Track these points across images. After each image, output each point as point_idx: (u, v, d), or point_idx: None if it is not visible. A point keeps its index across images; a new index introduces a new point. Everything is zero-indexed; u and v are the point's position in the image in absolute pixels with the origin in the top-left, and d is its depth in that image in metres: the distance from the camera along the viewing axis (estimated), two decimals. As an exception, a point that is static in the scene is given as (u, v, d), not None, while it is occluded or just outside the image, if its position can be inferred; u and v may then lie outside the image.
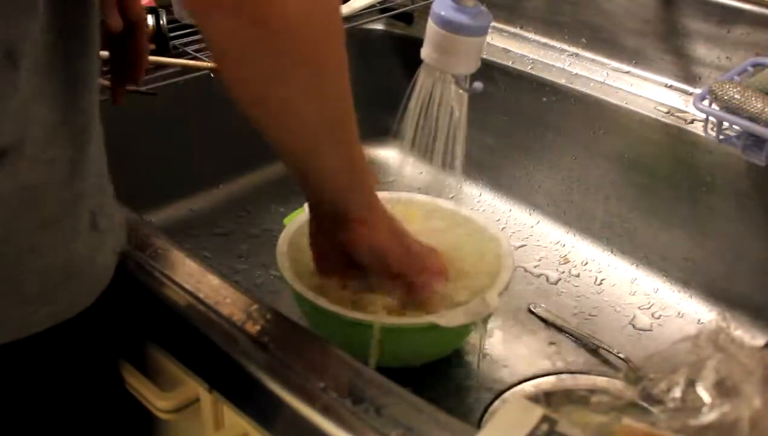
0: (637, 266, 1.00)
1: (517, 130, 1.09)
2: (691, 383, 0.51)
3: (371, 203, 0.68)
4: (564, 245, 1.04)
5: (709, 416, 0.48)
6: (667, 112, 0.95)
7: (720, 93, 0.83)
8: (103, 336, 0.64)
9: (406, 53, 1.11)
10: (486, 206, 1.11)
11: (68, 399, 0.62)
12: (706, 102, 0.85)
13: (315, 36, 0.54)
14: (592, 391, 0.80)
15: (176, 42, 1.02)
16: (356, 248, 0.68)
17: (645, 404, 0.52)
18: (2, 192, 0.51)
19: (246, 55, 0.53)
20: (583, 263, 1.01)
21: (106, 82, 0.81)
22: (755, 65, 0.89)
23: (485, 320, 0.76)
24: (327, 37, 0.55)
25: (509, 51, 1.10)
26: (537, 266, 1.01)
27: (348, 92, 0.59)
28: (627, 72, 1.02)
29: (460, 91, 0.79)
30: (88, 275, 0.59)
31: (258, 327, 0.61)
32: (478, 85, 0.78)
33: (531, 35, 1.11)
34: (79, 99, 0.57)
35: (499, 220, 1.08)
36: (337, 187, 0.66)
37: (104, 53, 0.81)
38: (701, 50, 0.96)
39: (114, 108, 0.77)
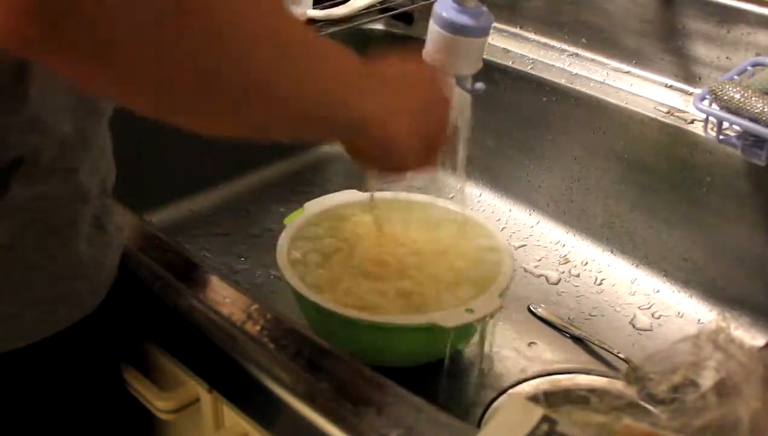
0: (637, 266, 1.00)
1: (517, 130, 1.09)
2: (691, 383, 0.51)
3: (370, 120, 0.58)
4: (564, 245, 1.04)
5: (709, 416, 0.48)
6: (667, 112, 0.95)
7: (720, 93, 0.83)
8: (105, 337, 0.64)
9: (407, 53, 1.11)
10: (486, 206, 1.11)
11: (70, 400, 0.62)
12: (706, 102, 0.85)
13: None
14: (592, 391, 0.80)
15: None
16: (363, 158, 0.64)
17: (645, 404, 0.52)
18: (16, 200, 0.52)
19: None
20: (583, 263, 1.01)
21: None
22: (755, 65, 0.89)
23: (486, 320, 0.76)
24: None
25: (509, 51, 1.10)
26: (537, 266, 1.01)
27: (296, 76, 0.48)
28: (627, 72, 1.02)
29: (462, 91, 0.79)
30: (96, 277, 0.59)
31: (258, 327, 0.61)
32: (480, 85, 0.78)
33: (531, 35, 1.11)
34: (94, 111, 0.57)
35: (499, 220, 1.08)
36: (334, 137, 0.59)
37: None
38: (701, 50, 0.96)
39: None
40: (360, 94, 0.57)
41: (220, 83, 0.44)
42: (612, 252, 1.02)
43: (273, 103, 0.49)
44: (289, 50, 0.48)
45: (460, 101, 0.79)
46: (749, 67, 0.89)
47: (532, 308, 0.93)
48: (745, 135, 0.83)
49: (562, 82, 1.03)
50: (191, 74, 0.43)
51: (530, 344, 0.89)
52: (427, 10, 0.77)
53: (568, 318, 0.92)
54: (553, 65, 1.06)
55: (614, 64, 1.04)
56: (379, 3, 1.19)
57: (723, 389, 0.49)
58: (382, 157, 0.63)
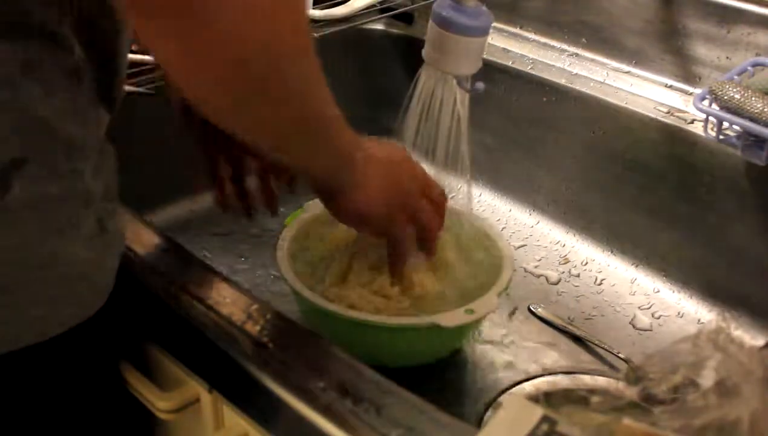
0: (637, 266, 1.00)
1: (517, 130, 1.09)
2: (691, 383, 0.51)
3: (354, 173, 0.66)
4: (564, 245, 1.04)
5: (709, 416, 0.48)
6: (667, 112, 0.95)
7: (720, 93, 0.83)
8: (105, 337, 0.64)
9: (406, 53, 1.11)
10: (486, 206, 1.11)
11: (70, 401, 0.62)
12: (706, 102, 0.85)
13: (263, 54, 0.49)
14: (592, 391, 0.80)
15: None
16: (342, 218, 0.71)
17: (645, 404, 0.52)
18: (23, 200, 0.52)
19: (188, 73, 0.49)
20: (583, 263, 1.01)
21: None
22: (755, 65, 0.89)
23: (485, 321, 0.76)
24: (279, 52, 0.50)
25: (509, 51, 1.10)
26: (537, 266, 1.01)
27: (315, 92, 0.55)
28: (627, 72, 1.02)
29: (462, 91, 0.79)
30: (97, 278, 0.59)
31: (258, 327, 0.61)
32: (480, 85, 0.78)
33: (531, 35, 1.11)
34: (99, 115, 0.57)
35: (499, 220, 1.08)
36: (318, 172, 0.65)
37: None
38: (701, 50, 0.96)
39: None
40: (353, 163, 0.65)
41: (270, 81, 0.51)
42: (612, 252, 1.02)
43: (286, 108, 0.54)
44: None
45: (460, 101, 0.79)
46: (749, 67, 0.89)
47: (532, 308, 0.93)
48: (744, 135, 0.83)
49: (562, 82, 1.03)
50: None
51: (530, 344, 0.89)
52: (427, 10, 0.77)
53: (568, 318, 0.92)
54: (553, 65, 1.06)
55: (614, 64, 1.04)
56: (379, 3, 1.19)
57: (723, 389, 0.49)
58: (359, 221, 0.71)
